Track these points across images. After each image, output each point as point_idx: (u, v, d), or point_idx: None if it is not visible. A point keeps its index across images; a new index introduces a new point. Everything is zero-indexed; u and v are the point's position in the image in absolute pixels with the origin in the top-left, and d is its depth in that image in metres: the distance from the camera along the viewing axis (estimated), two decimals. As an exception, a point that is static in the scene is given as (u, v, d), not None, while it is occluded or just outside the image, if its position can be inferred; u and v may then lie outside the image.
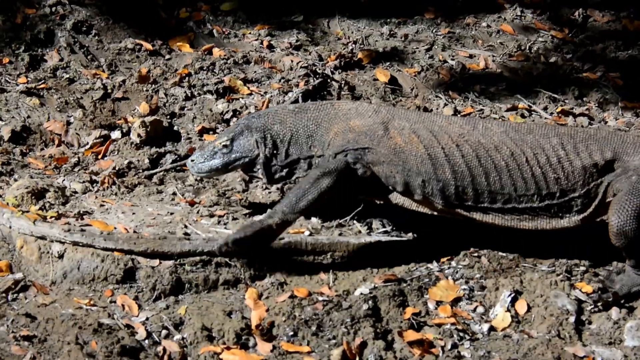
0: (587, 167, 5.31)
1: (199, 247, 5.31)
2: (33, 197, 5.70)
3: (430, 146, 5.35)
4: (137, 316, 4.88)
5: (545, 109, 8.06)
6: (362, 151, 5.38)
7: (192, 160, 5.71)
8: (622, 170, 5.28)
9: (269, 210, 5.33)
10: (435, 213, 5.55)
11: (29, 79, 7.50)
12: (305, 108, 5.64)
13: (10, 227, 5.28)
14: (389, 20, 9.26)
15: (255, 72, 8.02)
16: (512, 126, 5.50)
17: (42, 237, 5.22)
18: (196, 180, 6.21)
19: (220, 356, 4.58)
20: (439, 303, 5.17)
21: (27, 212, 5.40)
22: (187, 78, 7.77)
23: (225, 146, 5.60)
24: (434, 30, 9.17)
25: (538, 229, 5.43)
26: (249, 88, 7.76)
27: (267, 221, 5.19)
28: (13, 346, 4.34)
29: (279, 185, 6.06)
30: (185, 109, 7.43)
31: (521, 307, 5.13)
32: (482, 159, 5.32)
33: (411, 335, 4.85)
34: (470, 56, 8.81)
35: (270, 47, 8.55)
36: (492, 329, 5.00)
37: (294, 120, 5.57)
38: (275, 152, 5.57)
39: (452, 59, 8.66)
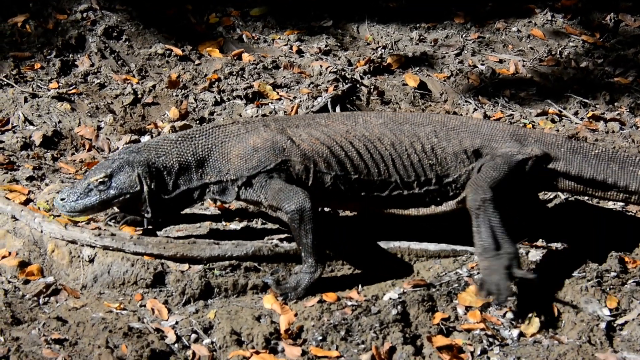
0: (458, 153, 5.48)
1: (228, 251, 5.32)
2: (64, 202, 5.73)
3: (330, 146, 5.42)
4: (167, 320, 4.90)
5: (575, 114, 8.01)
6: (279, 166, 5.33)
7: (62, 199, 5.24)
8: (491, 157, 5.46)
9: None
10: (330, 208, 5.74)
11: (60, 84, 7.56)
12: (190, 136, 5.42)
13: (41, 232, 5.31)
14: (418, 25, 9.25)
15: (284, 77, 8.03)
16: (389, 117, 5.62)
17: (73, 241, 5.25)
18: None
19: (249, 360, 4.59)
20: (468, 308, 5.14)
21: (58, 216, 5.43)
22: (216, 83, 7.80)
23: (101, 183, 5.26)
24: (463, 35, 9.14)
25: (420, 214, 5.58)
26: (278, 93, 7.77)
27: (313, 277, 5.18)
28: (44, 349, 4.37)
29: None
30: (215, 114, 7.45)
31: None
32: (371, 151, 5.44)
33: (440, 340, 4.83)
34: (500, 61, 8.78)
35: (300, 52, 8.56)
36: (521, 334, 4.97)
37: (180, 149, 5.36)
38: (161, 185, 5.34)
39: (482, 64, 8.63)
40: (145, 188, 5.29)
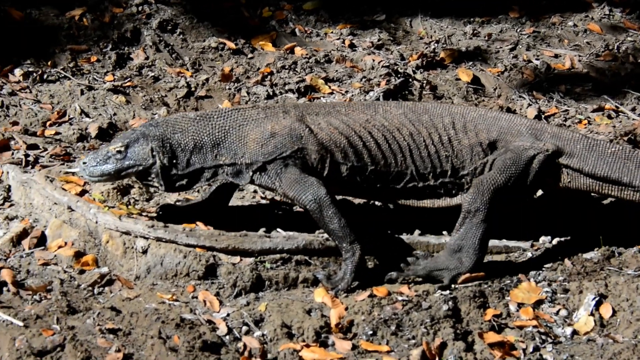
0: (474, 145, 5.47)
1: (279, 244, 5.34)
2: (118, 193, 5.80)
3: (349, 136, 5.40)
4: (218, 312, 4.92)
5: (633, 109, 7.89)
6: (296, 154, 5.33)
7: (84, 163, 5.39)
8: (505, 150, 5.43)
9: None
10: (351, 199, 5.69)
11: (115, 77, 7.63)
12: (208, 116, 5.45)
13: (96, 222, 5.37)
14: (472, 19, 9.18)
15: (336, 71, 8.02)
16: (409, 107, 5.60)
17: (127, 233, 5.30)
18: None
19: (300, 353, 4.59)
20: (520, 305, 5.10)
21: (113, 207, 5.50)
22: (269, 77, 7.82)
23: (119, 152, 5.36)
24: (518, 30, 9.06)
25: (435, 206, 5.55)
26: (330, 87, 7.77)
27: (357, 260, 5.18)
28: (99, 339, 4.41)
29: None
30: (267, 107, 7.47)
31: (606, 311, 5.02)
32: (389, 141, 5.43)
33: (492, 336, 4.79)
34: (556, 56, 8.68)
35: (352, 46, 8.55)
36: (575, 332, 4.92)
37: (197, 128, 5.40)
38: (174, 161, 5.39)
39: (537, 59, 8.55)
40: (158, 162, 5.37)
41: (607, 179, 5.46)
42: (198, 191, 6.03)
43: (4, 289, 4.91)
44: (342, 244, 5.20)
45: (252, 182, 5.39)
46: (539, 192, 5.84)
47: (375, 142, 5.41)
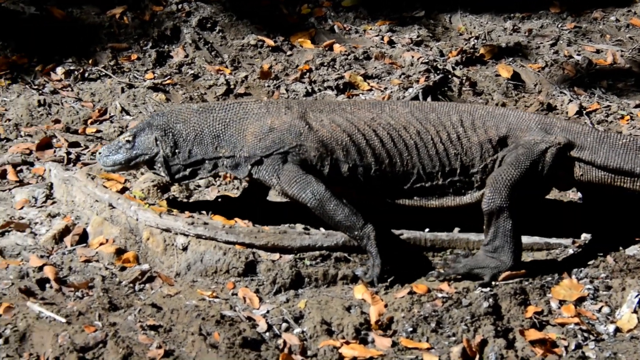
0: (483, 142, 5.40)
1: (319, 241, 5.34)
2: (159, 190, 5.84)
3: (352, 134, 5.37)
4: (258, 309, 4.94)
5: (677, 105, 7.80)
6: (294, 150, 5.32)
7: (100, 153, 5.60)
8: (515, 146, 5.38)
9: None
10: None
11: (155, 74, 7.68)
12: (210, 108, 5.51)
13: (137, 220, 5.41)
14: (512, 15, 9.12)
15: (375, 67, 8.01)
16: (415, 106, 5.56)
17: (167, 230, 5.33)
18: None
19: (340, 350, 4.58)
20: (562, 302, 5.05)
21: (153, 204, 5.53)
22: (307, 74, 7.82)
23: (128, 142, 5.51)
24: (559, 25, 8.98)
25: (444, 206, 5.49)
26: (369, 84, 7.76)
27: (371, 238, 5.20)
28: (140, 335, 4.44)
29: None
30: (306, 104, 7.48)
31: (649, 308, 4.98)
32: (395, 140, 5.38)
33: (533, 334, 4.76)
34: (597, 51, 8.60)
35: (391, 43, 8.53)
36: (617, 330, 4.86)
37: (199, 119, 5.45)
38: (176, 151, 5.46)
39: (578, 54, 8.47)
40: (161, 152, 5.45)
41: (619, 171, 5.40)
42: (236, 187, 6.05)
43: (47, 285, 4.96)
44: (353, 233, 5.22)
45: (250, 176, 5.40)
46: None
47: (379, 141, 5.37)
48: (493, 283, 5.18)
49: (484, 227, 5.28)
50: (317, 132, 5.35)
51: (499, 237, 5.21)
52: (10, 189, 5.87)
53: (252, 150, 5.37)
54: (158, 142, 5.45)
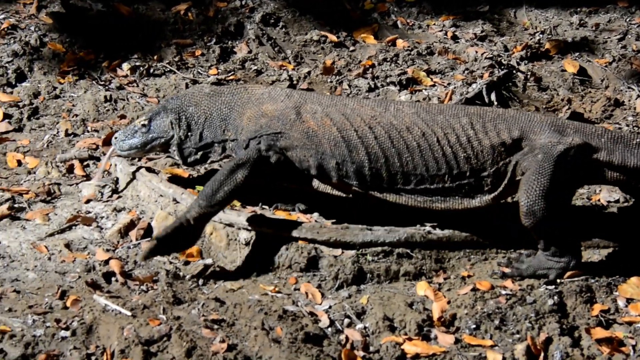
0: (496, 145, 5.27)
1: (381, 237, 5.32)
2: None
3: (343, 129, 5.28)
4: (320, 304, 4.94)
5: None
6: (275, 136, 5.29)
7: (116, 138, 5.68)
8: (529, 149, 5.24)
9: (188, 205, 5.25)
10: (350, 196, 5.45)
11: (219, 70, 7.73)
12: (220, 91, 5.54)
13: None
14: (579, 9, 8.99)
15: (438, 63, 7.97)
16: (423, 107, 5.43)
17: (230, 225, 5.37)
18: None
19: (402, 347, 4.57)
20: (629, 300, 4.98)
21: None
22: (370, 69, 7.81)
23: (143, 125, 5.58)
24: (627, 19, 8.83)
25: (450, 209, 5.36)
26: (432, 79, 7.72)
27: (184, 216, 5.11)
28: (203, 329, 4.48)
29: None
30: (369, 100, 7.47)
31: None
32: (394, 140, 5.27)
33: (599, 332, 4.69)
34: (666, 45, 8.45)
35: (455, 38, 8.47)
36: (687, 329, 4.78)
37: (209, 103, 5.49)
38: (189, 134, 5.50)
39: (646, 49, 8.33)
40: (175, 135, 5.51)
41: (636, 170, 5.30)
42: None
43: (113, 279, 5.03)
44: (196, 205, 5.11)
45: None
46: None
47: (375, 139, 5.26)
48: (558, 280, 5.12)
49: (535, 238, 5.20)
50: (304, 122, 5.32)
51: (553, 243, 5.13)
52: (77, 184, 5.97)
53: (246, 133, 5.39)
54: (173, 125, 5.52)
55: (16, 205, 5.70)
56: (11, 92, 7.18)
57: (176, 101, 5.58)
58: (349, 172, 5.30)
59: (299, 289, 5.08)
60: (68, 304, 4.62)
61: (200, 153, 5.58)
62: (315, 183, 5.42)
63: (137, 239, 5.43)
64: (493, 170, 5.28)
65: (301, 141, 5.31)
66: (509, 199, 5.61)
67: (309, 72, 7.74)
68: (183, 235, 5.10)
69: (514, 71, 7.86)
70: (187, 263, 5.25)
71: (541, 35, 8.55)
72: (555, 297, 4.87)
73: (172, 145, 5.59)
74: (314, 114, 5.34)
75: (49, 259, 5.16)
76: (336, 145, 5.28)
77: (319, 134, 5.30)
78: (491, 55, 7.99)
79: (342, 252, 5.28)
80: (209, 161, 5.61)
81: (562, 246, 5.13)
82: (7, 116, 6.87)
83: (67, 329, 4.38)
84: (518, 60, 8.08)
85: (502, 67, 7.83)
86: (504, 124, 5.32)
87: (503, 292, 5.00)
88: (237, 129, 5.43)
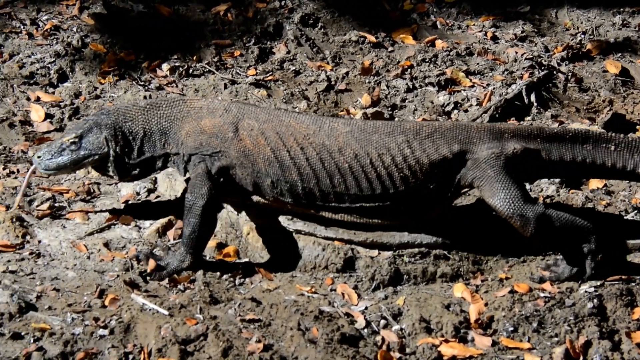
0: (436, 162, 5.21)
1: (418, 238, 5.31)
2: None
3: (276, 149, 5.21)
4: (357, 305, 4.94)
5: None
6: (216, 155, 5.24)
7: (39, 157, 5.41)
8: (473, 162, 5.22)
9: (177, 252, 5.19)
10: (289, 209, 5.38)
11: (257, 70, 7.76)
12: (158, 104, 5.43)
13: (237, 215, 5.48)
14: (622, 9, 8.91)
15: (477, 63, 7.93)
16: (358, 125, 5.31)
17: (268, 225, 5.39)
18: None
19: (439, 348, 4.56)
20: (671, 304, 4.93)
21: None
22: (409, 70, 7.79)
23: (73, 143, 5.37)
24: (671, 19, 8.75)
25: (388, 224, 5.32)
26: (471, 80, 7.69)
27: (180, 267, 5.10)
28: (240, 329, 4.48)
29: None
30: (407, 100, 7.45)
31: None
32: (325, 162, 5.20)
33: (640, 336, 4.65)
34: None
35: (494, 39, 8.42)
36: None
37: (147, 117, 5.39)
38: (126, 150, 5.38)
39: (691, 49, 8.23)
40: (111, 151, 5.38)
41: (572, 163, 5.38)
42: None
43: (150, 278, 5.06)
44: (181, 247, 5.12)
45: (186, 170, 5.39)
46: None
47: (306, 160, 5.21)
48: (598, 283, 5.06)
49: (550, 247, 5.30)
50: (241, 141, 5.26)
51: (563, 240, 5.16)
52: (116, 183, 6.01)
53: (185, 148, 5.34)
54: (109, 142, 5.38)
55: (56, 205, 5.76)
56: (53, 92, 7.26)
57: (110, 116, 5.43)
58: (283, 190, 5.26)
59: (335, 290, 5.08)
60: (106, 302, 4.66)
61: (139, 169, 5.48)
62: (255, 197, 5.38)
63: (174, 239, 5.46)
64: (433, 186, 5.24)
65: (239, 160, 5.27)
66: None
67: (347, 73, 7.74)
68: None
69: (555, 72, 7.80)
70: (224, 263, 5.27)
71: (583, 36, 8.48)
72: (595, 300, 4.83)
73: (107, 161, 5.44)
74: (250, 132, 5.28)
75: (88, 257, 5.21)
76: (270, 165, 5.23)
77: (254, 153, 5.25)
78: (531, 56, 7.93)
79: (379, 253, 5.29)
80: (147, 176, 5.59)
81: (574, 234, 5.14)
82: (48, 116, 6.95)
83: (105, 327, 4.42)
84: (559, 61, 8.02)
85: (543, 67, 7.77)
86: (442, 139, 5.26)
87: (541, 294, 4.96)
88: (178, 143, 5.38)
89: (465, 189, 5.38)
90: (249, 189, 5.30)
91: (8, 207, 5.64)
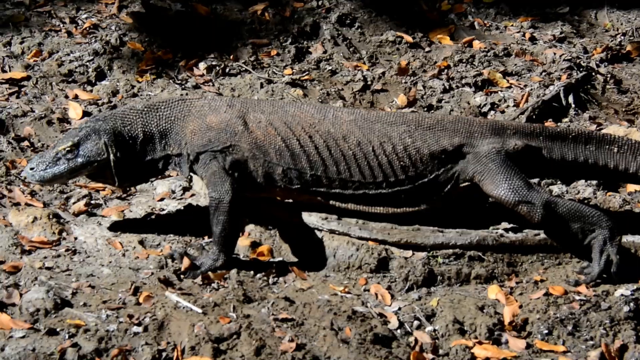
0: (435, 153, 5.31)
1: (452, 239, 5.29)
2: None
3: (286, 138, 5.27)
4: (390, 305, 4.93)
5: None
6: (227, 150, 5.24)
7: (32, 169, 5.31)
8: (473, 156, 5.31)
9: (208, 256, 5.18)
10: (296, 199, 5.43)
11: (294, 70, 7.77)
12: (156, 107, 5.40)
13: (271, 214, 5.49)
14: (663, 10, 8.82)
15: (515, 64, 7.88)
16: (361, 114, 5.43)
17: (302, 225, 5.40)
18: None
19: (472, 350, 4.54)
20: None
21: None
22: (445, 70, 7.76)
23: (69, 151, 5.28)
24: None
25: (390, 213, 5.36)
26: (508, 81, 7.65)
27: (213, 265, 5.10)
28: (273, 328, 4.49)
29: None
30: (443, 101, 7.43)
31: None
32: (331, 149, 5.29)
33: (677, 341, 4.60)
34: None
35: (533, 40, 8.38)
36: None
37: (145, 119, 5.35)
38: (127, 154, 5.32)
39: None
40: (112, 156, 5.32)
41: (573, 163, 5.45)
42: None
43: (184, 276, 5.09)
44: (213, 247, 5.14)
45: (191, 171, 5.38)
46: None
47: (314, 148, 5.28)
48: (634, 287, 5.01)
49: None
50: (252, 133, 5.29)
51: (578, 228, 5.20)
52: (152, 181, 6.05)
53: (191, 147, 5.33)
54: (108, 147, 5.32)
55: (93, 202, 5.82)
56: (91, 90, 7.32)
57: (108, 122, 5.38)
58: (292, 178, 5.30)
59: (368, 290, 5.07)
60: (141, 300, 4.69)
61: (139, 172, 5.47)
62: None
63: (209, 237, 5.48)
64: (433, 177, 5.32)
65: (251, 152, 5.29)
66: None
67: (383, 73, 7.73)
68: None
69: (593, 73, 7.74)
70: (257, 261, 5.28)
71: (622, 37, 8.41)
72: (632, 304, 4.78)
73: (106, 168, 5.37)
74: (258, 124, 5.32)
75: (123, 255, 5.25)
76: (281, 154, 5.28)
77: (265, 144, 5.29)
78: (570, 57, 7.88)
79: (413, 254, 5.27)
80: (148, 179, 5.61)
81: (588, 221, 5.17)
82: (86, 114, 7.00)
83: (139, 324, 4.44)
84: (598, 62, 7.96)
85: (581, 69, 7.71)
86: (443, 132, 5.34)
87: (577, 297, 4.92)
88: (181, 143, 5.38)
89: (465, 183, 5.36)
90: (260, 181, 5.31)
91: (45, 204, 5.70)
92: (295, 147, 5.28)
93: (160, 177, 5.92)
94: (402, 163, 5.30)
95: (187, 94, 7.23)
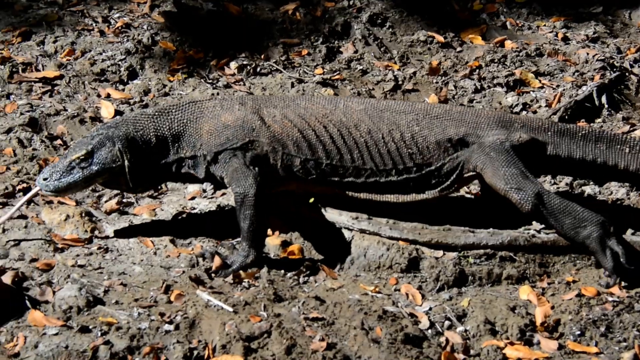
0: (441, 142, 5.40)
1: (483, 240, 5.27)
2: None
3: (302, 129, 5.36)
4: (421, 305, 4.92)
5: None
6: (246, 146, 5.28)
7: (45, 179, 5.25)
8: (478, 146, 5.38)
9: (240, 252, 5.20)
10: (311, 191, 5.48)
11: (324, 70, 7.77)
12: (167, 110, 5.41)
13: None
14: (697, 9, 8.74)
15: (547, 64, 7.84)
16: (371, 103, 5.55)
17: (332, 224, 5.39)
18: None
19: (504, 351, 4.52)
20: None
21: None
22: (477, 70, 7.73)
23: (83, 160, 5.24)
24: None
25: (399, 201, 5.44)
26: (540, 81, 7.61)
27: (245, 262, 5.12)
28: (304, 327, 4.49)
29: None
30: (474, 101, 7.40)
31: None
32: (345, 138, 5.38)
33: None
34: None
35: (565, 39, 8.32)
36: None
37: (157, 124, 5.35)
38: (141, 159, 5.31)
39: None
40: (127, 162, 5.32)
41: (581, 162, 5.46)
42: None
43: (215, 275, 5.10)
44: (243, 243, 5.16)
45: (208, 172, 5.37)
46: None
47: (330, 137, 5.37)
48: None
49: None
50: (269, 127, 5.34)
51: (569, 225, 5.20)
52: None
53: (208, 147, 5.34)
54: (122, 154, 5.31)
55: (124, 200, 5.85)
56: (123, 90, 7.37)
57: (120, 128, 5.37)
58: (310, 169, 5.37)
59: (399, 290, 5.06)
60: (172, 298, 4.71)
61: (152, 177, 5.47)
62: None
63: (240, 236, 5.49)
64: (438, 165, 5.40)
65: (270, 145, 5.34)
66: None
67: (414, 73, 7.71)
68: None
69: (627, 74, 7.68)
70: (288, 260, 5.29)
71: (656, 37, 8.35)
72: (665, 306, 4.75)
73: (120, 174, 5.36)
74: (274, 117, 5.39)
75: (155, 253, 5.28)
76: (299, 146, 5.35)
77: (283, 137, 5.35)
78: (603, 57, 7.82)
79: (444, 254, 5.26)
80: (162, 182, 5.62)
81: (578, 217, 5.16)
82: (118, 113, 7.05)
83: (170, 322, 4.46)
84: (631, 63, 7.90)
85: (615, 69, 7.65)
86: (450, 121, 5.43)
87: (610, 298, 4.89)
88: (195, 145, 5.38)
89: (470, 173, 5.41)
90: (280, 174, 5.36)
91: (77, 203, 5.74)
92: (312, 138, 5.37)
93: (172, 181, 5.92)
94: (409, 150, 5.40)
95: (218, 94, 7.26)
